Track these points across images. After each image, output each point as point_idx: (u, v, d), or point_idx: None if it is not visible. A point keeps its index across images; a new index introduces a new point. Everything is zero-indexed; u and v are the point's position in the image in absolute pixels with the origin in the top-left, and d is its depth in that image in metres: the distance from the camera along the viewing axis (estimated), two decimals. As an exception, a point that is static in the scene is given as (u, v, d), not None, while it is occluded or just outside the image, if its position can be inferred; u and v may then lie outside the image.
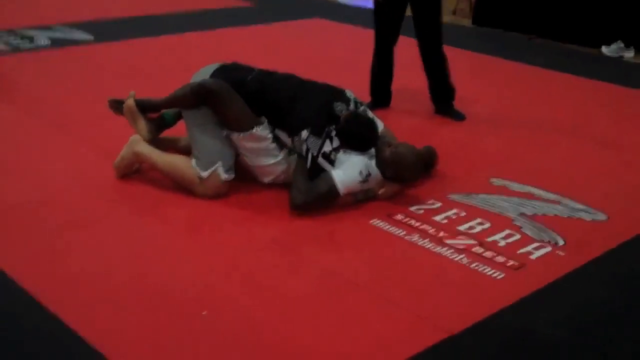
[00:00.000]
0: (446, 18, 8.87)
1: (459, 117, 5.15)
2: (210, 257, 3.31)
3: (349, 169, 3.70)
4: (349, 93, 4.02)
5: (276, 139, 3.82)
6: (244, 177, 3.92)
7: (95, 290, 3.00)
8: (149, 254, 3.30)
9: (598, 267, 3.36)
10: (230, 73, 3.95)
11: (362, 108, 3.99)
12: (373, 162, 3.79)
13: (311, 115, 3.78)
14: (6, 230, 3.44)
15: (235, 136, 3.78)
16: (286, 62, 5.36)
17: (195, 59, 5.70)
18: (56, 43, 6.72)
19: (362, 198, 3.79)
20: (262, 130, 3.77)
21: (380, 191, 3.80)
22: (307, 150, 3.71)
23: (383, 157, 3.79)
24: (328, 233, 3.56)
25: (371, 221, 3.64)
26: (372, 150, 3.83)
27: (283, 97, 3.85)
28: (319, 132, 3.72)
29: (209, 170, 3.75)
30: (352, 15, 8.55)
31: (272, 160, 3.82)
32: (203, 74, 3.97)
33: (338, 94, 3.96)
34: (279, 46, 7.01)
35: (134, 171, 4.01)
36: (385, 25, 5.09)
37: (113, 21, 7.79)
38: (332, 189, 3.67)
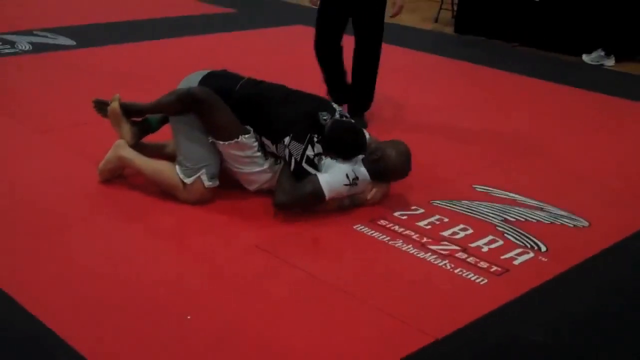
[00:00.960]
0: (428, 26, 8.97)
1: (362, 125, 4.86)
2: (194, 262, 3.30)
3: (335, 173, 3.70)
4: (336, 105, 4.03)
5: (262, 148, 3.82)
6: (229, 183, 3.91)
7: (77, 294, 2.97)
8: (132, 258, 3.29)
9: (580, 273, 3.38)
10: (218, 80, 3.95)
11: (345, 119, 3.98)
12: (361, 167, 3.78)
13: (294, 122, 3.78)
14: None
15: (220, 144, 3.77)
16: (268, 68, 5.37)
17: (179, 65, 5.71)
18: (38, 48, 6.69)
19: (348, 204, 3.79)
20: (248, 139, 3.76)
21: (369, 195, 3.81)
22: (290, 155, 3.71)
23: (370, 159, 3.79)
24: (312, 238, 3.56)
25: (355, 226, 3.65)
26: (359, 157, 3.82)
27: (269, 105, 3.85)
28: (301, 138, 3.72)
29: (193, 177, 3.75)
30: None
31: (256, 169, 3.81)
32: (191, 80, 3.96)
33: (324, 104, 3.97)
34: (261, 52, 7.02)
35: (118, 176, 3.99)
36: (327, 18, 4.99)
37: (95, 26, 7.76)
38: (318, 191, 3.66)
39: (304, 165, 3.70)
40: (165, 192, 3.83)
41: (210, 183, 3.78)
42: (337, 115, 3.90)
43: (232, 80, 3.99)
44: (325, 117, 3.83)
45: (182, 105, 3.81)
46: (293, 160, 3.70)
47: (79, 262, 3.23)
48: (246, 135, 3.76)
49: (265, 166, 3.82)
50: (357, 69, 5.05)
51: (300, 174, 3.71)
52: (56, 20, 7.85)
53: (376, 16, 4.93)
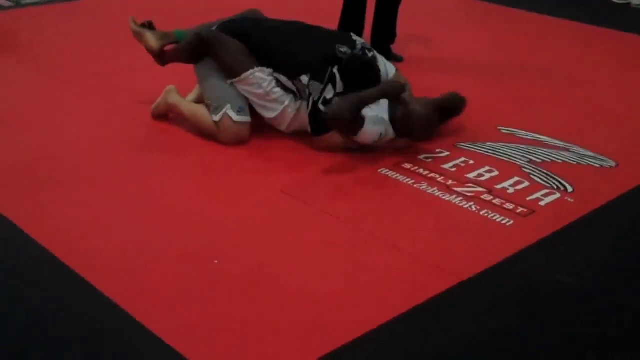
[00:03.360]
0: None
1: (397, 59, 5.01)
2: (220, 206, 3.32)
3: (375, 123, 3.65)
4: (356, 37, 3.98)
5: (281, 85, 3.80)
6: (261, 127, 3.92)
7: (106, 240, 3.01)
8: (160, 202, 3.32)
9: (607, 213, 3.36)
10: (235, 23, 4.00)
11: (371, 54, 3.93)
12: (389, 127, 3.70)
13: (310, 59, 3.76)
14: (19, 184, 3.44)
15: (235, 83, 3.81)
16: (282, 11, 5.31)
17: (198, 7, 5.66)
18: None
19: (355, 147, 3.78)
20: (259, 74, 3.76)
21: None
22: (309, 95, 3.71)
23: (396, 115, 3.71)
24: (336, 181, 3.56)
25: (379, 170, 3.64)
26: (386, 105, 3.74)
27: (284, 41, 3.85)
28: (321, 77, 3.69)
29: (220, 114, 3.78)
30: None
31: (278, 108, 3.80)
32: (207, 26, 4.00)
33: (343, 37, 3.94)
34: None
35: (163, 116, 4.12)
36: None
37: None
38: (360, 121, 3.62)
39: (320, 106, 3.69)
40: (207, 135, 3.87)
41: (239, 117, 3.78)
42: (358, 48, 3.86)
43: (248, 22, 4.03)
44: (343, 50, 3.79)
45: (192, 48, 3.92)
46: (311, 100, 3.69)
47: (109, 208, 3.25)
48: (257, 70, 3.76)
49: (286, 102, 3.80)
50: (381, 4, 5.04)
51: (315, 116, 3.70)
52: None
53: None
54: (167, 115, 4.09)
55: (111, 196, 3.36)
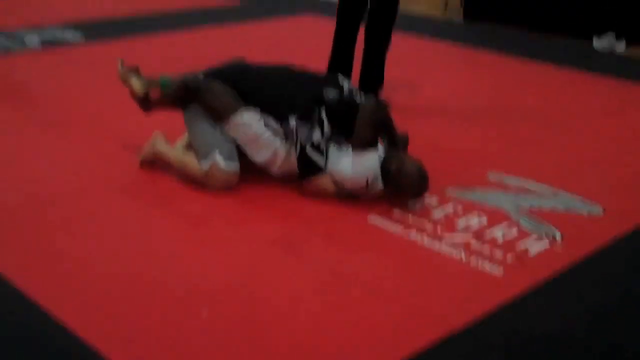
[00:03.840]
0: (436, 13, 8.92)
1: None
2: (212, 255, 3.30)
3: (360, 167, 3.66)
4: (342, 79, 3.99)
5: (269, 127, 3.79)
6: (250, 172, 3.92)
7: (89, 284, 2.98)
8: (149, 249, 3.30)
9: (597, 260, 3.37)
10: (223, 69, 4.01)
11: (358, 96, 3.92)
12: (379, 179, 3.69)
13: (298, 102, 3.78)
14: (6, 231, 3.42)
15: (224, 128, 3.80)
16: (278, 59, 5.34)
17: (185, 57, 5.70)
18: (47, 43, 6.68)
19: (344, 194, 3.77)
20: (247, 115, 3.76)
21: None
22: (297, 137, 3.72)
23: (389, 168, 3.69)
24: (325, 230, 3.55)
25: (369, 217, 3.64)
26: (381, 152, 3.76)
27: (271, 83, 3.87)
28: (308, 120, 3.71)
29: (208, 162, 3.77)
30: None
31: (268, 152, 3.78)
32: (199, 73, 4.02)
33: (330, 80, 3.96)
34: (270, 44, 6.99)
35: (152, 163, 4.11)
36: (347, 9, 5.01)
37: (103, 21, 7.75)
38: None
39: (308, 149, 3.70)
40: (195, 183, 3.87)
41: (227, 164, 3.78)
42: (345, 90, 3.87)
43: (235, 67, 4.05)
44: (331, 94, 3.80)
45: (178, 95, 3.92)
46: (299, 144, 3.71)
47: (97, 256, 3.23)
48: (244, 112, 3.76)
49: (277, 144, 3.78)
50: (370, 43, 5.07)
51: (304, 159, 3.72)
52: (64, 15, 7.84)
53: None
54: (154, 162, 4.09)
55: (96, 243, 3.34)
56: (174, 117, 4.11)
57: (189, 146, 4.11)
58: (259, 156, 3.83)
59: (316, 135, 3.72)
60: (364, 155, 3.68)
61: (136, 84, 4.05)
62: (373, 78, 5.16)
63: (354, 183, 3.69)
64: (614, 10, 7.43)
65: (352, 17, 5.01)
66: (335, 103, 3.78)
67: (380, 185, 3.71)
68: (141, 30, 7.31)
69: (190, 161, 3.89)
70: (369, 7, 5.00)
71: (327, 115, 3.75)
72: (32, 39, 6.77)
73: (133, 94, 4.07)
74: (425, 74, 6.25)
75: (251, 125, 3.76)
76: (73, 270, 3.12)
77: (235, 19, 8.04)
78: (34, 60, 6.17)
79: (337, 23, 5.10)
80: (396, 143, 3.87)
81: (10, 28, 7.16)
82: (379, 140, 3.84)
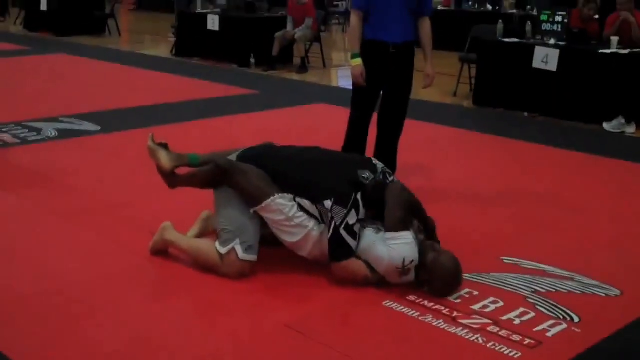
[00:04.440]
0: (447, 100, 9.05)
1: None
2: (224, 342, 3.29)
3: (396, 248, 3.64)
4: (376, 162, 4.05)
5: (302, 209, 3.80)
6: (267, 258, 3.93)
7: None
8: (161, 339, 3.28)
9: (615, 343, 3.34)
10: (255, 150, 4.05)
11: (391, 178, 3.98)
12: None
13: (334, 184, 3.80)
14: (19, 319, 3.42)
15: (256, 210, 3.80)
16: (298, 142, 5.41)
17: (204, 145, 5.77)
18: (63, 134, 6.80)
19: (374, 280, 3.77)
20: (279, 200, 3.77)
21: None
22: (331, 219, 3.71)
23: (423, 260, 3.68)
24: (342, 315, 3.54)
25: (384, 302, 3.63)
26: (418, 241, 3.74)
27: (305, 166, 3.91)
28: (344, 202, 3.72)
29: (228, 247, 3.77)
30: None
31: (301, 234, 3.79)
32: (232, 155, 4.06)
33: (364, 162, 4.00)
34: (286, 131, 7.08)
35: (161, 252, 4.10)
36: (363, 101, 5.09)
37: (120, 112, 7.90)
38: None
39: (342, 231, 3.70)
40: (207, 270, 3.86)
41: (246, 255, 3.77)
42: (379, 172, 3.91)
43: (268, 150, 4.08)
44: (365, 176, 3.84)
45: (209, 177, 3.94)
46: (333, 225, 3.71)
47: (106, 347, 3.22)
48: (277, 197, 3.77)
49: (310, 226, 3.78)
50: (382, 131, 5.14)
51: (336, 241, 3.71)
52: (81, 106, 7.99)
53: (406, 90, 5.06)
54: (166, 250, 4.10)
55: (110, 332, 3.33)
56: (187, 205, 4.15)
57: (201, 235, 4.13)
58: (290, 237, 3.83)
59: (352, 218, 3.73)
60: (399, 237, 3.67)
61: (164, 158, 4.06)
62: (386, 165, 5.20)
63: (389, 265, 3.68)
64: (623, 95, 7.52)
65: (367, 108, 5.09)
66: (372, 188, 3.80)
67: (413, 272, 3.68)
68: (158, 120, 7.43)
69: (206, 246, 3.89)
70: (381, 97, 5.09)
71: (362, 198, 3.78)
72: (50, 130, 6.88)
73: (160, 168, 4.08)
74: (438, 159, 6.31)
75: (283, 209, 3.78)
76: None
77: (251, 109, 8.19)
78: (50, 149, 6.27)
79: (351, 113, 5.18)
80: (428, 225, 3.87)
81: (27, 119, 7.28)
82: (411, 222, 3.84)
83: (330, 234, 3.73)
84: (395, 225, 3.69)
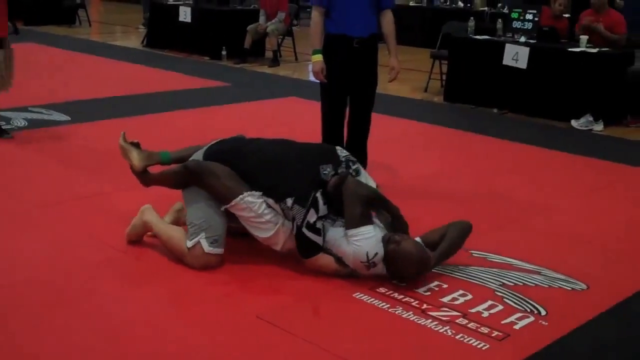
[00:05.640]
0: (418, 95, 9.10)
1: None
2: (195, 333, 3.29)
3: (357, 243, 3.69)
4: (341, 151, 4.07)
5: (269, 207, 3.82)
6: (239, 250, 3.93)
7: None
8: (134, 330, 3.28)
9: (581, 336, 3.39)
10: (223, 146, 4.06)
11: (354, 167, 4.00)
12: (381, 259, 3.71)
13: (294, 184, 3.82)
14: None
15: (227, 209, 3.83)
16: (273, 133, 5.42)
17: (175, 137, 5.76)
18: (33, 124, 6.75)
19: (346, 273, 3.80)
20: (248, 198, 3.79)
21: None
22: (293, 218, 3.75)
23: (386, 251, 3.71)
24: (312, 307, 3.56)
25: (355, 294, 3.65)
26: (379, 226, 3.80)
27: (269, 164, 3.92)
28: (304, 201, 3.75)
29: (193, 241, 3.80)
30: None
31: (271, 231, 3.82)
32: (198, 153, 4.08)
33: (326, 155, 4.01)
34: (259, 122, 7.08)
35: (137, 241, 4.13)
36: (331, 96, 5.11)
37: (90, 102, 7.85)
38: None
39: (304, 230, 3.73)
40: (175, 256, 3.89)
41: (210, 248, 3.80)
42: (342, 163, 3.94)
43: (235, 144, 4.08)
44: (326, 172, 3.86)
45: (179, 178, 3.98)
46: (295, 225, 3.74)
47: (79, 336, 3.21)
48: (246, 195, 3.79)
49: (280, 222, 3.82)
50: (351, 132, 5.17)
51: (301, 240, 3.75)
52: (50, 96, 7.93)
53: (372, 84, 5.09)
54: (142, 238, 4.10)
55: (84, 323, 3.32)
56: (164, 195, 4.14)
57: (175, 222, 4.15)
58: (262, 233, 3.86)
59: (312, 216, 3.76)
60: (358, 233, 3.71)
61: (136, 157, 4.10)
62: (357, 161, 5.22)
63: (355, 261, 3.71)
64: (591, 93, 7.61)
65: (336, 102, 5.09)
66: (332, 185, 3.81)
67: (381, 264, 3.72)
68: (129, 112, 7.40)
69: (177, 236, 3.92)
70: (349, 101, 5.12)
71: (323, 196, 3.80)
72: (19, 119, 6.83)
73: (132, 167, 4.13)
74: (407, 154, 6.35)
75: (252, 207, 3.80)
76: (57, 351, 3.11)
77: (223, 101, 8.18)
78: (20, 139, 6.22)
79: (323, 110, 5.16)
80: (393, 212, 3.90)
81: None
82: (374, 214, 3.89)
83: (294, 232, 3.77)
84: (353, 222, 3.73)
